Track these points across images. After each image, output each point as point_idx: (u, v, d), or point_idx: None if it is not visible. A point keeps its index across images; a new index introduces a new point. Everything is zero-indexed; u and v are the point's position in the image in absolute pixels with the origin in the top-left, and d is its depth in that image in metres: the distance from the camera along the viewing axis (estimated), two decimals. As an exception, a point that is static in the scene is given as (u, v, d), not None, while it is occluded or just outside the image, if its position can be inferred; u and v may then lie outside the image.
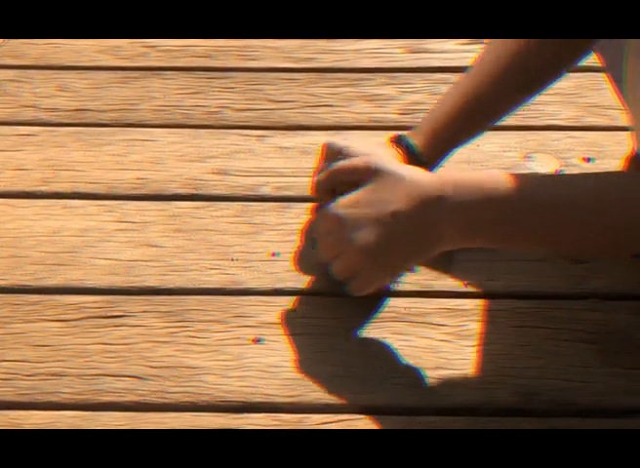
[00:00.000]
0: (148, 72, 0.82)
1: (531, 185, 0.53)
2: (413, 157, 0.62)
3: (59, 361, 0.58)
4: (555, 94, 0.76)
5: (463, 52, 0.84)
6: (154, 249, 0.65)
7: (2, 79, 0.82)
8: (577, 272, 0.62)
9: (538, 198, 0.52)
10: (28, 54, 0.85)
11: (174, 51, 0.85)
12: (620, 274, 0.62)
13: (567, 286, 0.61)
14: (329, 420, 0.54)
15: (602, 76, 0.79)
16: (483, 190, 0.52)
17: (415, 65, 0.83)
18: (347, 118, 0.77)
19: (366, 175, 0.57)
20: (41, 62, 0.83)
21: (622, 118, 0.75)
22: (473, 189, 0.52)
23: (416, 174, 0.55)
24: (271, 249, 0.65)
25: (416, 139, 0.63)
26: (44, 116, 0.77)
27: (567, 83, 0.77)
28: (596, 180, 0.53)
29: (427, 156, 0.63)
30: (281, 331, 0.59)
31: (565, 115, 0.75)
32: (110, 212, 0.68)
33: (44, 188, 0.70)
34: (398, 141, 0.64)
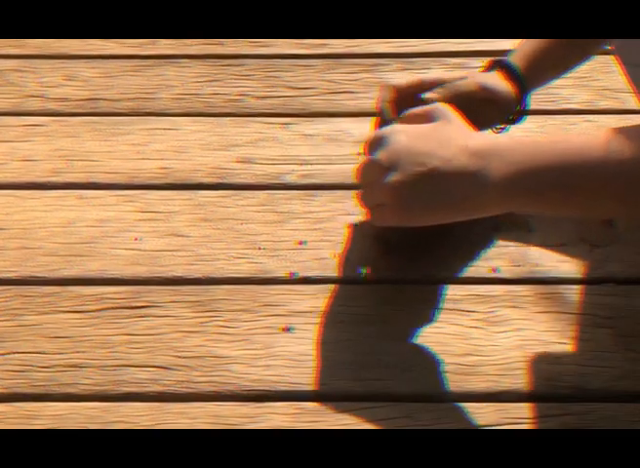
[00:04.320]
0: (160, 60, 0.84)
1: (583, 146, 0.52)
2: (515, 79, 0.65)
3: (78, 352, 0.59)
4: (569, 77, 0.79)
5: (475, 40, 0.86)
6: (180, 238, 0.67)
7: (4, 69, 0.82)
8: (595, 257, 0.65)
9: (589, 158, 0.52)
10: (31, 43, 0.85)
11: (183, 38, 0.85)
12: (635, 259, 0.65)
13: (586, 271, 0.64)
14: (351, 408, 0.56)
15: (611, 59, 0.83)
16: (537, 153, 0.53)
17: (430, 50, 0.85)
18: (370, 104, 0.79)
19: (431, 115, 0.57)
20: (45, 51, 0.84)
21: (632, 101, 0.78)
22: (528, 150, 0.53)
23: (474, 132, 0.57)
24: (298, 237, 0.67)
25: (517, 61, 0.66)
26: (53, 106, 0.78)
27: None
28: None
29: (528, 79, 0.66)
30: (311, 320, 0.61)
31: (580, 99, 0.79)
32: (131, 202, 0.70)
33: (55, 179, 0.71)
34: (500, 64, 0.66)
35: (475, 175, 0.53)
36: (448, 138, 0.55)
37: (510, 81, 0.66)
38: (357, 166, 0.58)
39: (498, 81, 0.66)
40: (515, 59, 0.67)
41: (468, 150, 0.54)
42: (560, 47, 0.67)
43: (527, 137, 0.55)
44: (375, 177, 0.55)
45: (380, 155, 0.55)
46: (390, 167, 0.55)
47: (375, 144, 0.57)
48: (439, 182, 0.54)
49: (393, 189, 0.54)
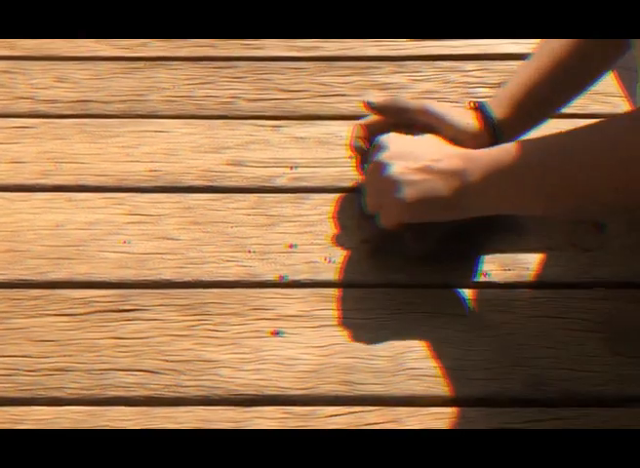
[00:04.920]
0: (152, 62, 0.84)
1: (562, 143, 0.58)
2: (490, 127, 0.66)
3: (65, 356, 0.59)
4: None
5: (467, 40, 0.87)
6: (169, 241, 0.67)
7: (-6, 70, 0.83)
8: (584, 261, 0.66)
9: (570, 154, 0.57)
10: (21, 44, 0.86)
11: (174, 40, 0.86)
12: (623, 262, 0.66)
13: (575, 275, 0.65)
14: (339, 412, 0.56)
15: None
16: (514, 153, 0.59)
17: (422, 53, 0.86)
18: (362, 107, 0.79)
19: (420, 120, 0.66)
20: (35, 53, 0.85)
21: (623, 105, 0.80)
22: (505, 151, 0.59)
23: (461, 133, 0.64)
24: (288, 240, 0.67)
25: (496, 111, 0.67)
26: (42, 108, 0.79)
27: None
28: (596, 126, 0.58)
29: (506, 127, 0.66)
30: (300, 324, 0.61)
31: (572, 103, 0.79)
32: (120, 204, 0.70)
33: (44, 181, 0.72)
34: (478, 109, 0.67)
35: (460, 174, 0.59)
36: (437, 144, 0.63)
37: (479, 120, 0.66)
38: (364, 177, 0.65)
39: (455, 112, 0.67)
40: (493, 102, 0.67)
41: (455, 154, 0.61)
42: (544, 85, 0.67)
43: (510, 143, 0.60)
44: (377, 177, 0.62)
45: (381, 157, 0.63)
46: (389, 163, 0.62)
47: (374, 151, 0.64)
48: (430, 179, 0.60)
49: (392, 181, 0.61)
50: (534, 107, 0.68)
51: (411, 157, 0.61)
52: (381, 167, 0.62)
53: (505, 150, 0.59)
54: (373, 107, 0.70)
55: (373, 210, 0.64)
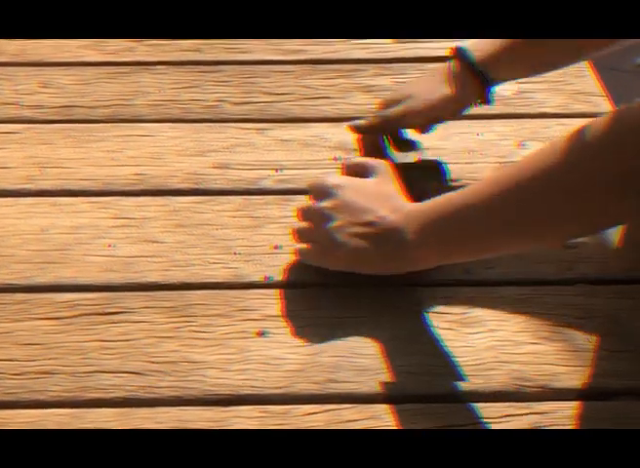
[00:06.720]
0: (137, 67, 0.86)
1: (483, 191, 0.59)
2: (472, 71, 0.71)
3: (50, 359, 0.61)
4: (543, 81, 0.84)
5: (454, 41, 0.89)
6: (155, 244, 0.69)
7: (-22, 76, 0.84)
8: (566, 258, 0.68)
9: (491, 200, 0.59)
10: (5, 50, 0.87)
11: (160, 45, 0.88)
12: (605, 259, 0.68)
13: (557, 272, 0.67)
14: (315, 411, 0.58)
15: (584, 63, 0.87)
16: (441, 211, 0.61)
17: (406, 55, 0.88)
18: (347, 109, 0.82)
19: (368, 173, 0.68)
20: (20, 59, 0.87)
21: (604, 104, 0.82)
22: (435, 210, 0.61)
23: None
24: (274, 242, 0.69)
25: (476, 52, 0.71)
26: (27, 113, 0.81)
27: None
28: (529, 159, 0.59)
29: (491, 67, 0.70)
30: (285, 324, 0.63)
31: (554, 103, 0.82)
32: (105, 208, 0.72)
33: (29, 186, 0.73)
34: (459, 55, 0.71)
35: (400, 232, 0.61)
36: (386, 197, 0.64)
37: (459, 66, 0.71)
38: (301, 207, 0.67)
39: (424, 91, 0.72)
40: (474, 45, 0.71)
41: (400, 210, 0.63)
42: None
43: (445, 197, 0.61)
44: (316, 221, 0.65)
45: (326, 204, 0.65)
46: (332, 215, 0.64)
47: (322, 193, 0.66)
48: (369, 235, 0.62)
49: (329, 233, 0.63)
50: (522, 45, 0.69)
51: (356, 212, 0.63)
52: (322, 216, 0.64)
53: (445, 197, 0.61)
54: (359, 129, 0.75)
55: (300, 240, 0.66)
